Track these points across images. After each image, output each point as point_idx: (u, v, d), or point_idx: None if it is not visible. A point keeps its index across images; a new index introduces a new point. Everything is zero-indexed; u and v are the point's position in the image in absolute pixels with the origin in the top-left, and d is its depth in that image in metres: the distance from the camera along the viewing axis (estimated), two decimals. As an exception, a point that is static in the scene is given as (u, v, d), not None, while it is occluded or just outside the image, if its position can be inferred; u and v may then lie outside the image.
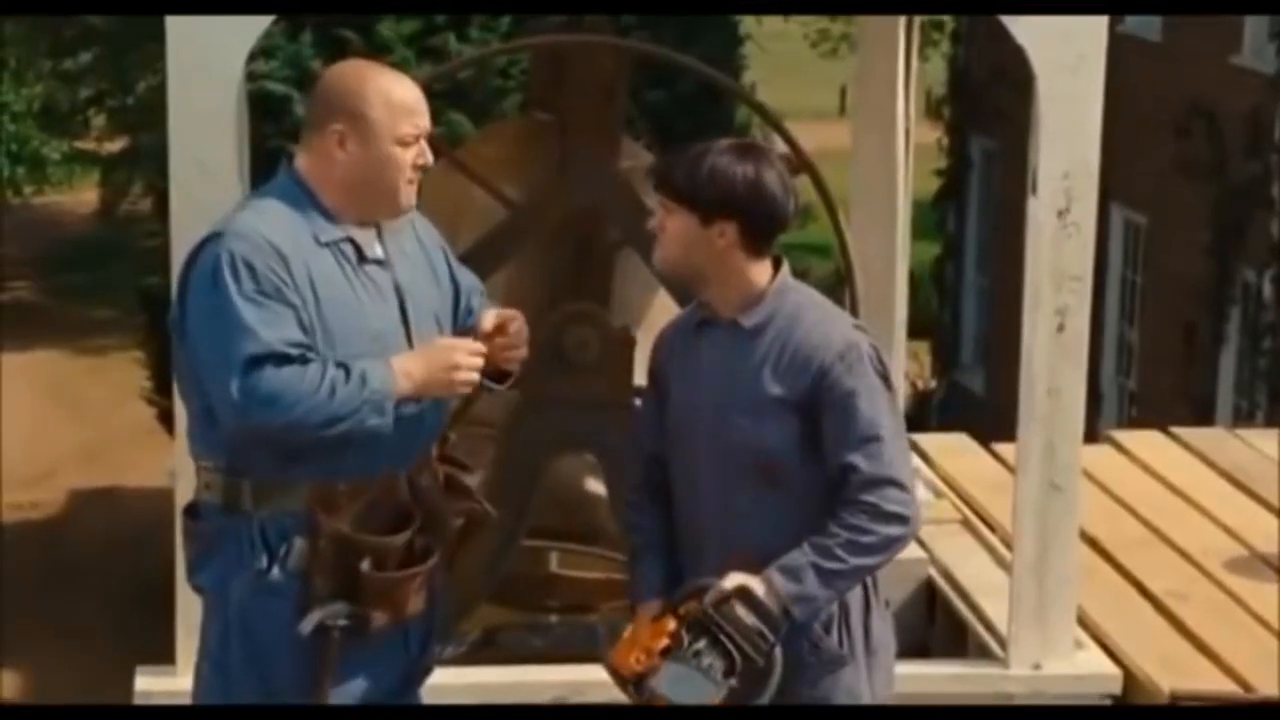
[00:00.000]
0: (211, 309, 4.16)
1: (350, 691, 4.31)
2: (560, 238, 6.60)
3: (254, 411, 4.10)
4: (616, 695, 4.44)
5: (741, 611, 4.20)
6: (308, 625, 4.19)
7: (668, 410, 4.47)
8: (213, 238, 4.23)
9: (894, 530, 4.27)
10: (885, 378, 4.35)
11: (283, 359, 4.11)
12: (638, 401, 6.26)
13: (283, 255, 4.17)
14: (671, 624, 4.27)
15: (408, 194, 4.33)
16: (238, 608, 4.27)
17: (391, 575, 4.24)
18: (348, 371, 4.15)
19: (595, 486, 6.56)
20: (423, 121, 4.33)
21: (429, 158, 4.35)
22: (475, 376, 4.30)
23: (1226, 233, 16.82)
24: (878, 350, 4.37)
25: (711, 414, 4.35)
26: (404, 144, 4.29)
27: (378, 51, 14.24)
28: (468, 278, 4.59)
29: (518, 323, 4.43)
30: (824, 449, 4.29)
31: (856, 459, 4.26)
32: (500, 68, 14.86)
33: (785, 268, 4.41)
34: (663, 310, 6.46)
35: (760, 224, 4.32)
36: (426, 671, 4.54)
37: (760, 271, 4.37)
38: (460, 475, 4.45)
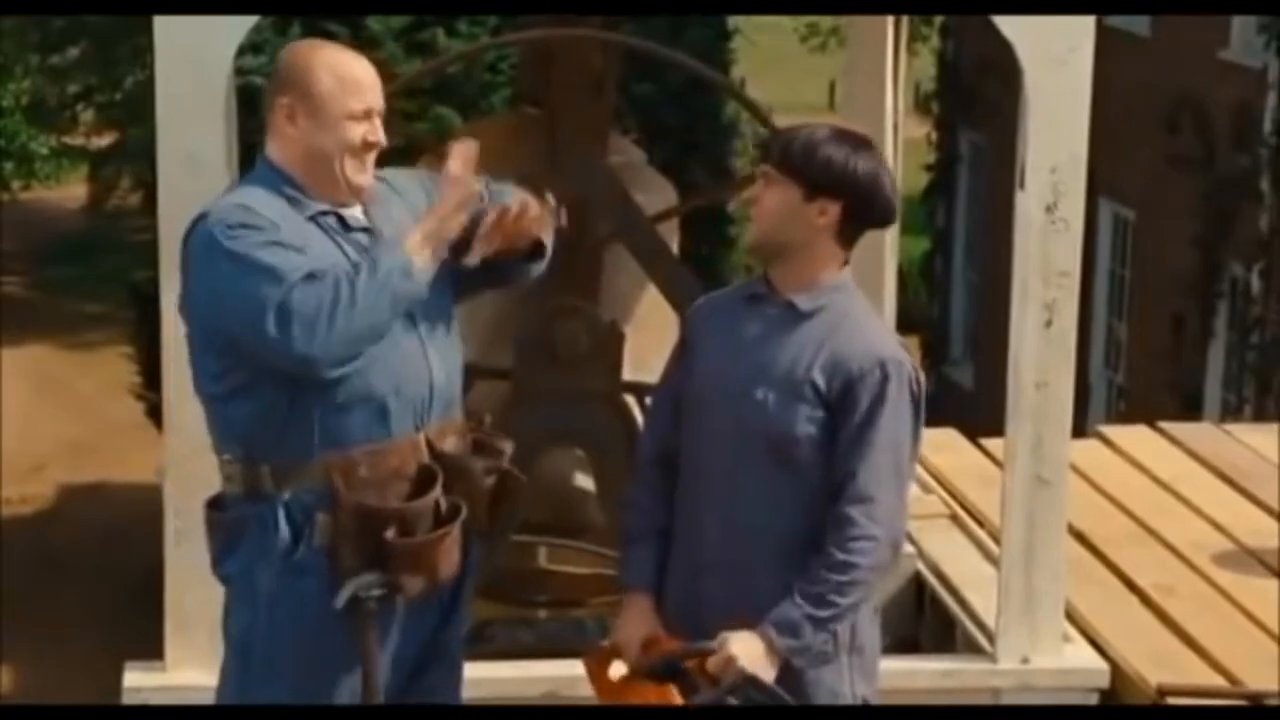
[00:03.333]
0: (223, 273, 4.17)
1: (385, 656, 4.31)
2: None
3: (299, 341, 4.10)
4: (605, 690, 4.45)
5: (750, 690, 4.22)
6: (341, 599, 4.18)
7: (692, 379, 4.47)
8: (201, 218, 4.27)
9: (878, 558, 4.30)
10: (918, 402, 4.36)
11: (301, 282, 4.11)
12: (627, 396, 6.29)
13: (268, 217, 4.22)
14: (676, 697, 4.28)
15: (355, 170, 4.32)
16: (266, 595, 4.27)
17: (418, 539, 4.23)
18: (356, 264, 4.18)
19: (584, 481, 6.56)
20: (372, 98, 4.33)
21: (380, 136, 4.34)
22: (463, 175, 4.28)
23: (1215, 227, 16.83)
24: (918, 373, 4.39)
25: (738, 385, 4.35)
26: (352, 118, 4.29)
27: (366, 46, 14.23)
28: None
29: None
30: (837, 445, 4.31)
31: (858, 467, 4.28)
32: (489, 62, 14.86)
33: (848, 269, 4.44)
34: (652, 304, 6.47)
35: (863, 212, 4.36)
36: (448, 654, 4.52)
37: (836, 262, 4.39)
38: (493, 439, 4.47)
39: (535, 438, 6.24)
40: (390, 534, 4.20)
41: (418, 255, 4.22)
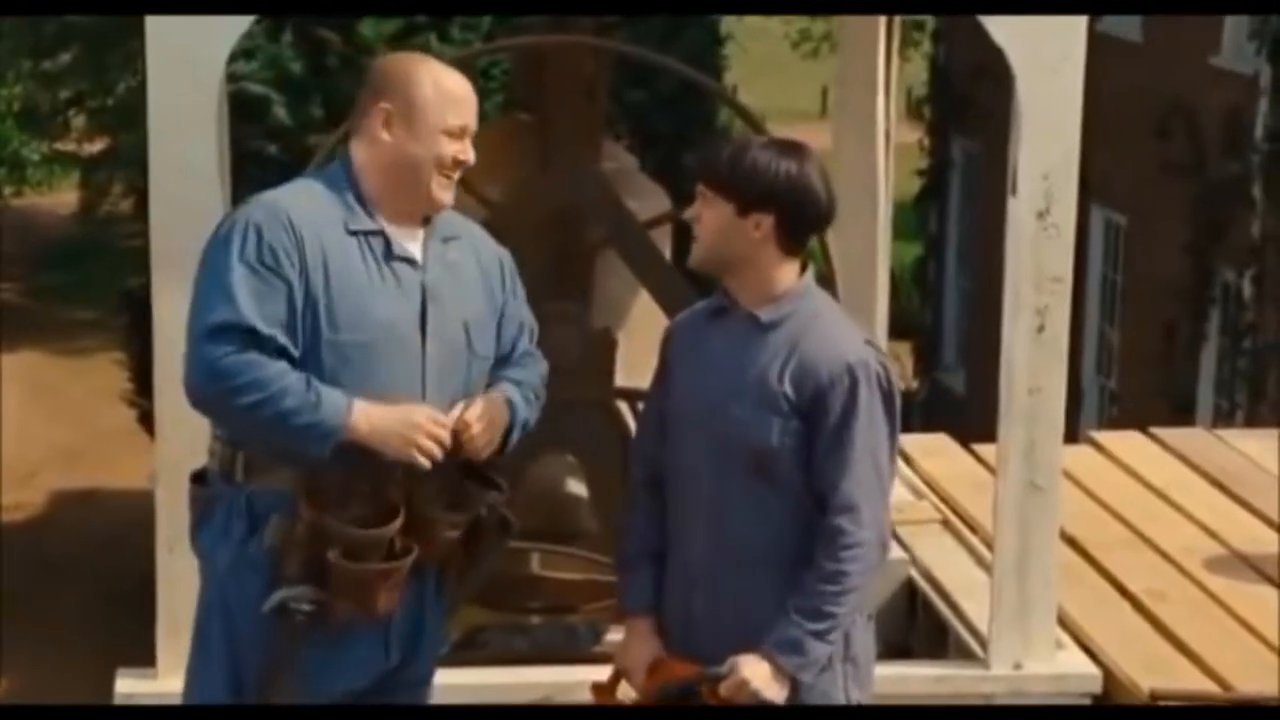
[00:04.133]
0: (210, 265, 4.20)
1: (317, 683, 4.29)
2: (541, 238, 6.59)
3: (202, 378, 4.13)
4: (598, 696, 4.45)
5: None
6: (271, 604, 4.19)
7: (670, 398, 4.48)
8: (243, 204, 4.28)
9: (869, 561, 4.31)
10: (890, 397, 4.36)
11: (250, 334, 4.11)
12: (619, 402, 6.29)
13: (296, 230, 4.18)
14: None
15: (441, 186, 4.31)
16: (220, 577, 4.29)
17: (359, 567, 4.20)
18: (309, 383, 4.14)
19: (577, 487, 6.55)
20: (469, 116, 4.33)
21: (470, 156, 4.33)
22: (433, 449, 4.21)
23: (1206, 233, 16.85)
24: (887, 368, 4.39)
25: (712, 400, 4.36)
26: (449, 133, 4.29)
27: (358, 53, 14.22)
28: (519, 314, 4.57)
29: (479, 425, 4.35)
30: (814, 454, 4.31)
31: (839, 477, 4.29)
32: (482, 68, 14.86)
33: (810, 272, 4.43)
34: (644, 311, 6.46)
35: (797, 219, 4.35)
36: (410, 686, 4.49)
37: (788, 270, 4.39)
38: (493, 478, 4.43)
39: (527, 444, 6.23)
40: (333, 555, 4.18)
41: (348, 431, 4.16)
